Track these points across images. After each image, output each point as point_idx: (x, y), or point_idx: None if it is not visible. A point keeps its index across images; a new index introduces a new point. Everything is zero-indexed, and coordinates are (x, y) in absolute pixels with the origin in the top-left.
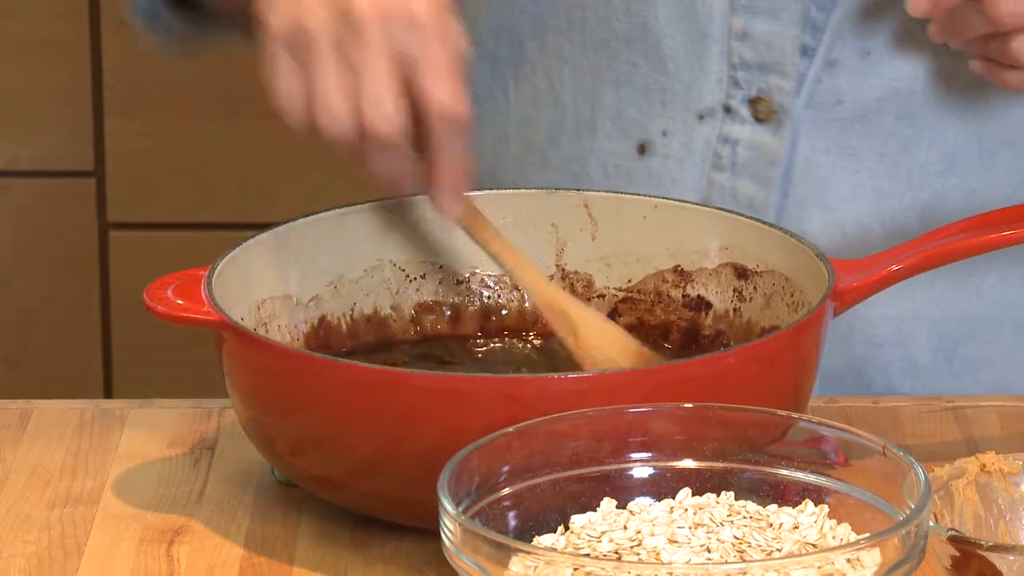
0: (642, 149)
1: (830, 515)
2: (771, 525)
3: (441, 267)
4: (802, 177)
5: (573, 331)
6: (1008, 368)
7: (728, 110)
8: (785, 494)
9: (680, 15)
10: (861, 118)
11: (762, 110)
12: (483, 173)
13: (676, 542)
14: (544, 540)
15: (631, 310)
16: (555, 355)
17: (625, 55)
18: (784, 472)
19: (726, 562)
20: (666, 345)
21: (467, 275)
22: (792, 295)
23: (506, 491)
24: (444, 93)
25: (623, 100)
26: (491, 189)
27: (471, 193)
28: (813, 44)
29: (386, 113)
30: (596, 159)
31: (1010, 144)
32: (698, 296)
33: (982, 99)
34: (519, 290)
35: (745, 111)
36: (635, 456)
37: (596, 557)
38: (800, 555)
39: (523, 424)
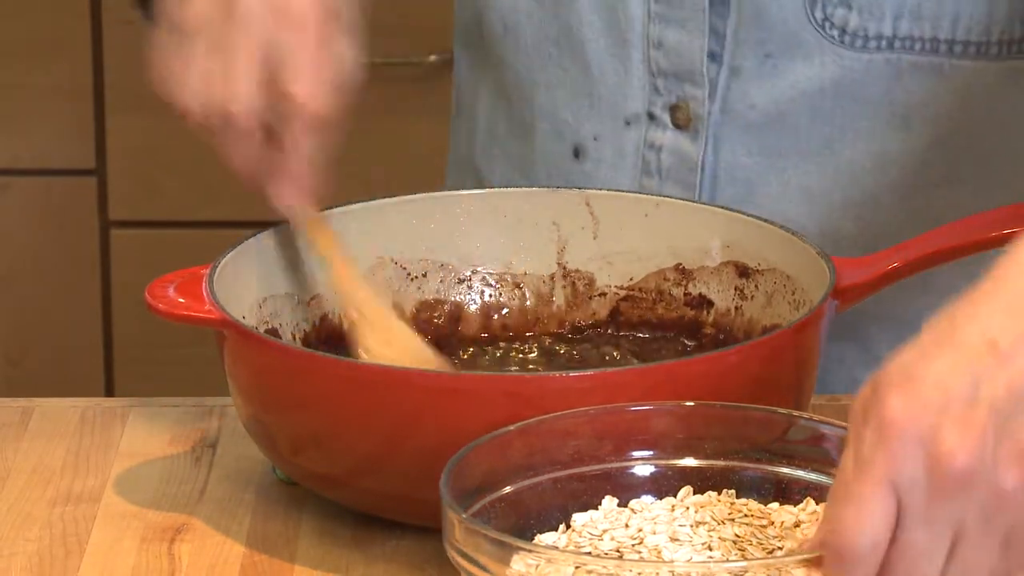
0: (576, 153)
1: None
2: (772, 523)
3: (442, 265)
4: (728, 181)
5: (367, 334)
6: None
7: (651, 116)
8: (787, 492)
9: (603, 22)
10: (776, 120)
11: (681, 117)
12: (462, 163)
13: (678, 540)
14: (546, 538)
15: (633, 308)
16: (555, 354)
17: (556, 59)
18: (785, 470)
19: (728, 560)
20: (667, 343)
21: (468, 273)
22: (793, 293)
23: (507, 489)
24: (303, 88)
25: (557, 104)
26: (490, 188)
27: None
28: (719, 51)
29: (238, 95)
30: (540, 160)
31: (941, 144)
32: (700, 294)
33: (902, 97)
34: (520, 288)
35: (666, 118)
36: (636, 454)
37: (598, 555)
38: (801, 553)
39: (524, 423)
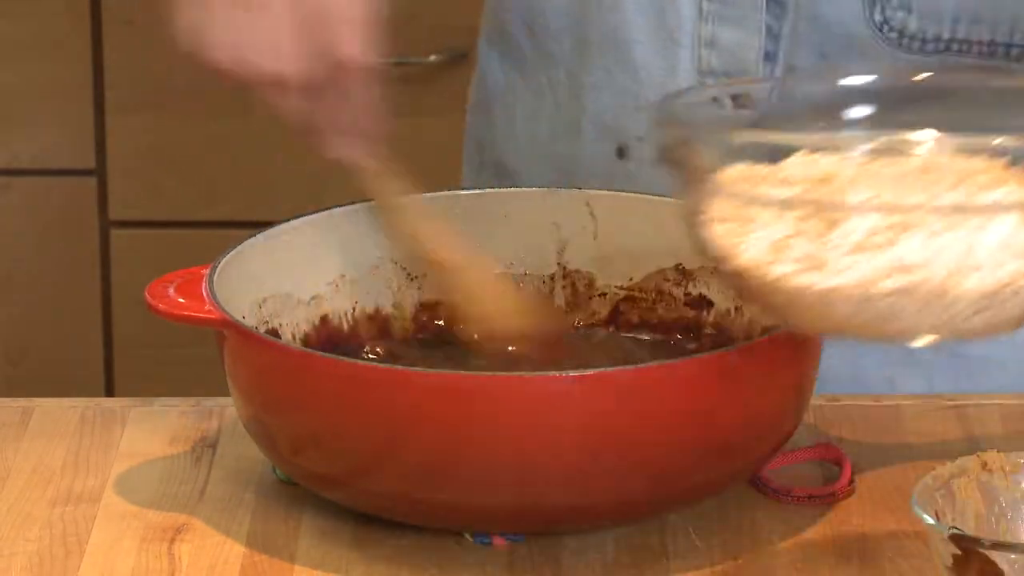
0: (621, 152)
1: None
2: None
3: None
4: None
5: (465, 289)
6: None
7: None
8: None
9: (650, 23)
10: None
11: None
12: (490, 162)
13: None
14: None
15: (633, 308)
16: (555, 353)
17: (600, 61)
18: None
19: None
20: (667, 343)
21: None
22: None
23: None
24: (345, 39)
25: (602, 104)
26: (491, 188)
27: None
28: (774, 50)
29: (281, 52)
30: (583, 160)
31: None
32: (700, 294)
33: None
34: (520, 288)
35: None
36: None
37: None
38: None
39: None
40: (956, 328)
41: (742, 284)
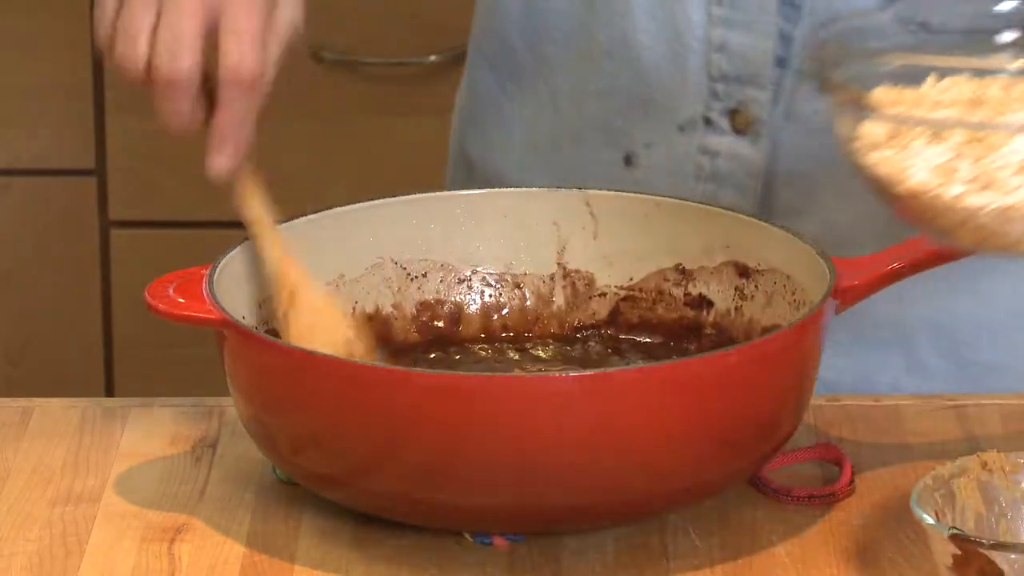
0: (628, 160)
1: None
2: None
3: (442, 265)
4: (786, 186)
5: (291, 305)
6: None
7: (708, 122)
8: None
9: (659, 28)
10: None
11: (740, 121)
12: (489, 175)
13: None
14: None
15: (633, 308)
16: (555, 354)
17: (608, 67)
18: None
19: None
20: (667, 343)
21: (468, 273)
22: (793, 293)
23: None
24: (236, 52)
25: (608, 111)
26: (493, 188)
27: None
28: (786, 55)
29: (174, 52)
30: (588, 168)
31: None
32: (699, 295)
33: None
34: (520, 288)
35: (724, 123)
36: None
37: None
38: None
39: None
40: None
41: (909, 207)
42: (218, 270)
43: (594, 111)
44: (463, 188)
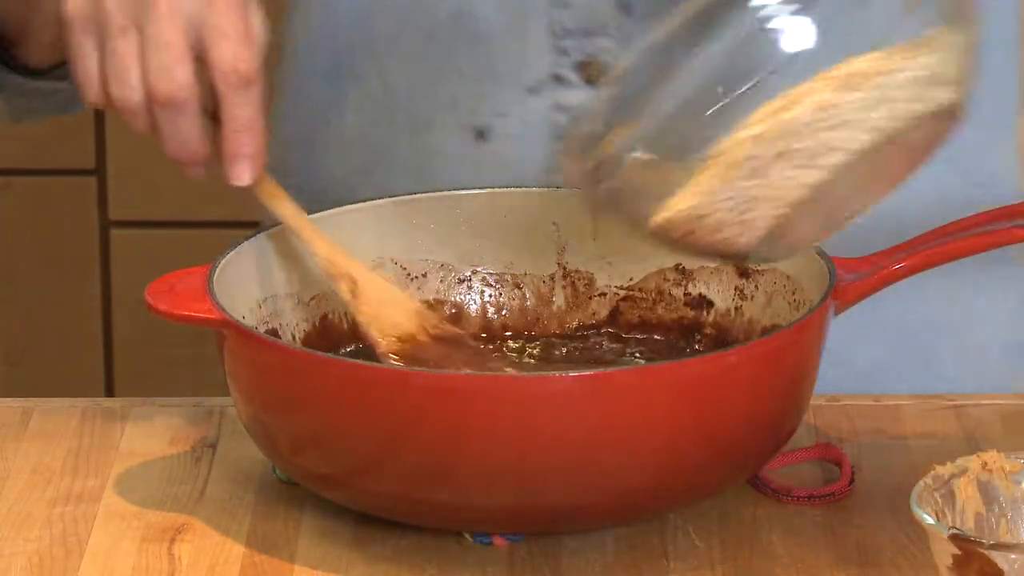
0: (480, 135)
1: None
2: None
3: (442, 265)
4: None
5: (354, 293)
6: None
7: (558, 79)
8: None
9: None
10: None
11: (592, 72)
12: (323, 193)
13: None
14: None
15: (633, 308)
16: (555, 354)
17: (450, 43)
18: None
19: None
20: (667, 343)
21: (468, 273)
22: (793, 293)
23: None
24: (228, 54)
25: (455, 89)
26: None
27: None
28: (631, 1)
29: (171, 76)
30: (437, 153)
31: None
32: (699, 294)
33: None
34: (520, 288)
35: (575, 77)
36: None
37: None
38: None
39: None
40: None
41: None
42: (218, 270)
43: (438, 93)
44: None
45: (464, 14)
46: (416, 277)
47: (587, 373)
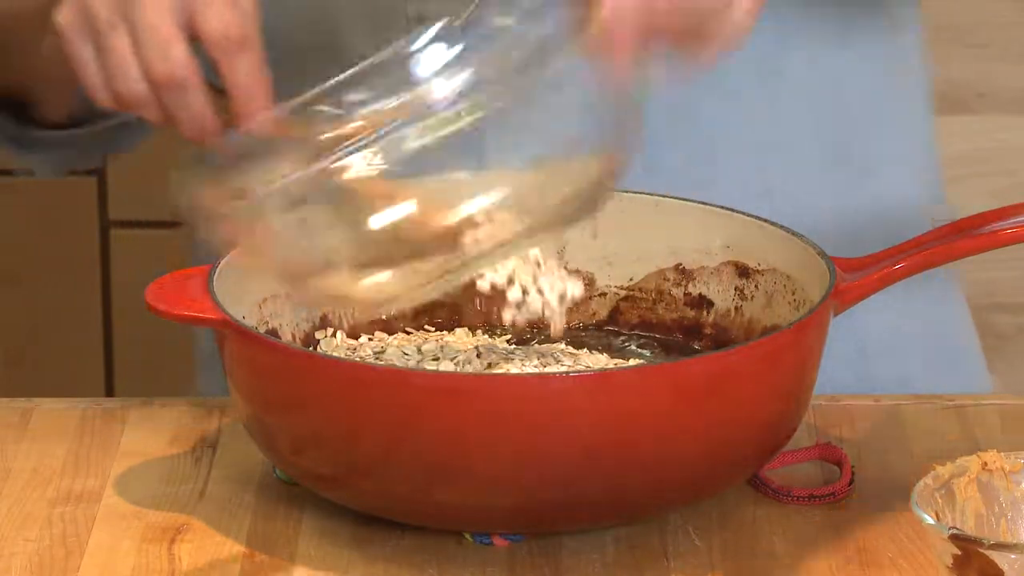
0: None
1: None
2: None
3: None
4: None
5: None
6: None
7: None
8: None
9: (366, 21)
10: None
11: None
12: None
13: None
14: None
15: (633, 308)
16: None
17: (315, 67)
18: None
19: None
20: (667, 343)
21: None
22: (793, 294)
23: None
24: (216, 22)
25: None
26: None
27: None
28: None
29: (166, 57)
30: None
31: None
32: (700, 295)
33: None
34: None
35: None
36: None
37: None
38: None
39: None
40: None
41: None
42: (218, 270)
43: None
44: None
45: (332, 35)
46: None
47: (587, 373)
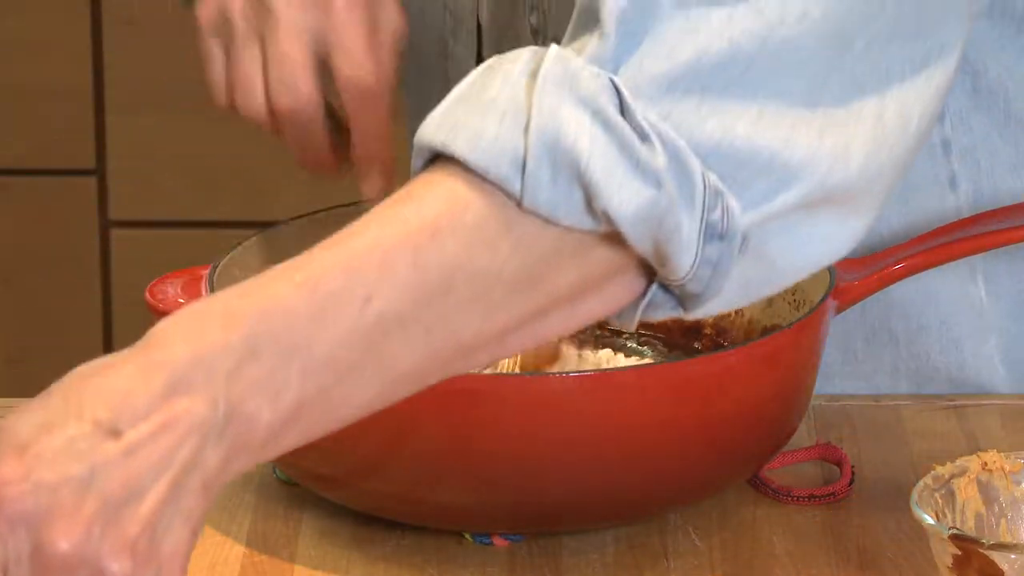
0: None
1: None
2: None
3: None
4: None
5: None
6: None
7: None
8: None
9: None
10: None
11: None
12: None
13: None
14: None
15: None
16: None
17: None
18: None
19: None
20: (667, 344)
21: None
22: (793, 293)
23: None
24: (347, 66)
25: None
26: None
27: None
28: (539, 25)
29: (292, 90)
30: None
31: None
32: None
33: None
34: None
35: None
36: None
37: None
38: None
39: None
40: None
41: None
42: (218, 270)
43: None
44: None
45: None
46: None
47: (587, 373)
